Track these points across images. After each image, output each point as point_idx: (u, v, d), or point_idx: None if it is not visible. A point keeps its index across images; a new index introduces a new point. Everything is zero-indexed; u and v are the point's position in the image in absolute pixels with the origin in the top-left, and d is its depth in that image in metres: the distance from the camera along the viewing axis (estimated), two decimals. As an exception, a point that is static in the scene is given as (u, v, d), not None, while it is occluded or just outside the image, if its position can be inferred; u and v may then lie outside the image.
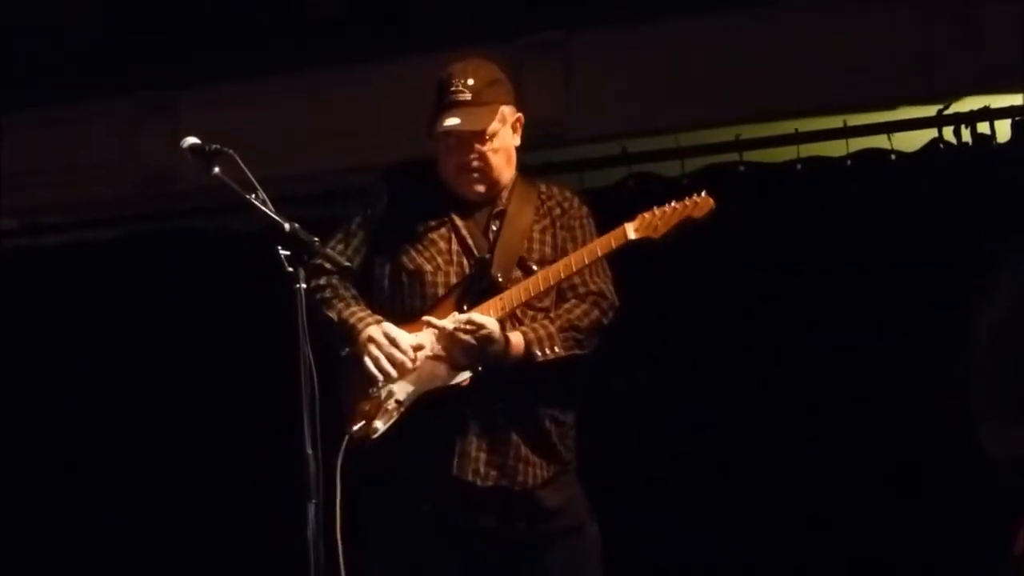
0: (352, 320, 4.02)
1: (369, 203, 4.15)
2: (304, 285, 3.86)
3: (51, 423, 6.58)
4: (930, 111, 5.71)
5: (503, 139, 4.06)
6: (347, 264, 4.07)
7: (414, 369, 3.95)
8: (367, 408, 3.96)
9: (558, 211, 4.14)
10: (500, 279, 3.98)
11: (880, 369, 5.52)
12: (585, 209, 4.18)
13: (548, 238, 4.09)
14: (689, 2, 6.25)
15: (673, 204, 3.91)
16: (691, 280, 5.75)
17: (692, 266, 5.70)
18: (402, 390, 3.97)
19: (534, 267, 4.00)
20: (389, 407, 3.96)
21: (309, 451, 3.53)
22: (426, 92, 6.46)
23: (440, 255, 4.04)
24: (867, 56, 5.90)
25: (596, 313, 4.07)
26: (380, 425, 3.95)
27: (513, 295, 3.93)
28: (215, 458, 6.31)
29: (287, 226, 3.72)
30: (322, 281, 4.08)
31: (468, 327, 3.87)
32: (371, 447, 3.91)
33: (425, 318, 3.94)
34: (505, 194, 4.11)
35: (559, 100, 6.46)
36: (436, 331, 3.94)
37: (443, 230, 4.06)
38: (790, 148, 5.81)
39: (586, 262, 3.92)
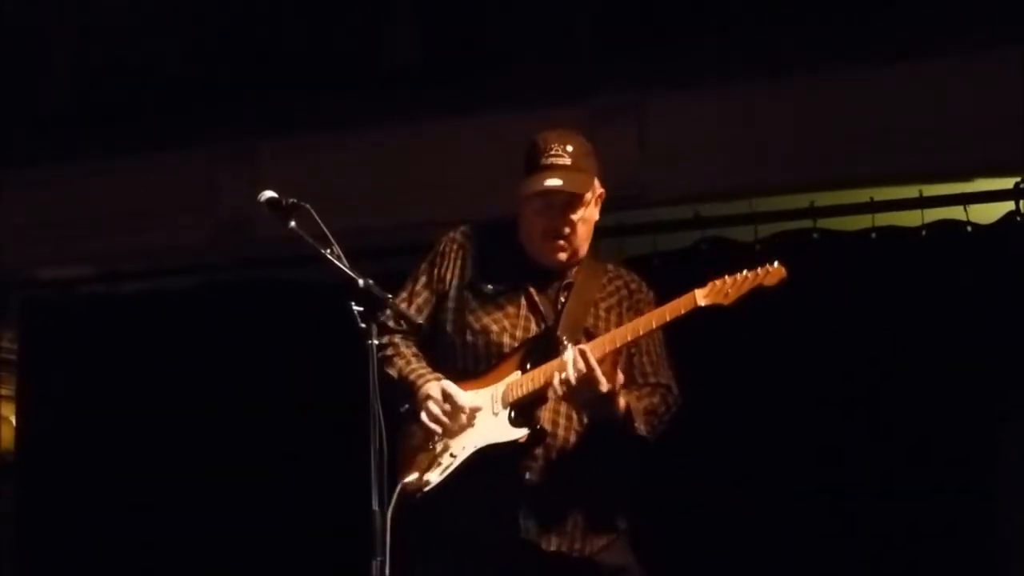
0: (412, 377, 4.07)
1: (435, 261, 4.21)
2: (376, 341, 3.94)
3: (123, 469, 6.64)
4: (1007, 183, 5.67)
5: (591, 212, 4.14)
6: (419, 322, 4.12)
7: (472, 426, 3.98)
8: (421, 461, 4.00)
9: (625, 292, 4.21)
10: (564, 340, 4.00)
11: (949, 442, 5.45)
12: (652, 294, 4.25)
13: (613, 316, 4.14)
14: (765, 66, 6.23)
15: (745, 272, 3.92)
16: (760, 347, 5.72)
17: (762, 333, 5.67)
18: (457, 444, 3.99)
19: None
20: (443, 461, 3.98)
21: (376, 508, 3.56)
22: (502, 149, 6.52)
23: (508, 318, 4.09)
24: (944, 125, 5.85)
25: (666, 405, 4.14)
26: (433, 478, 3.97)
27: (594, 347, 3.92)
28: (282, 510, 6.33)
29: (361, 282, 3.76)
30: (384, 340, 4.10)
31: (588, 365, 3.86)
32: (423, 500, 3.94)
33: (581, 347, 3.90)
34: (576, 268, 4.16)
35: (634, 162, 6.45)
36: (539, 375, 3.94)
37: (514, 295, 4.11)
38: (865, 216, 5.78)
39: (654, 326, 3.95)
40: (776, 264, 3.94)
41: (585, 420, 4.04)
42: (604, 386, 3.87)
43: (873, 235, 5.73)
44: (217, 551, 6.43)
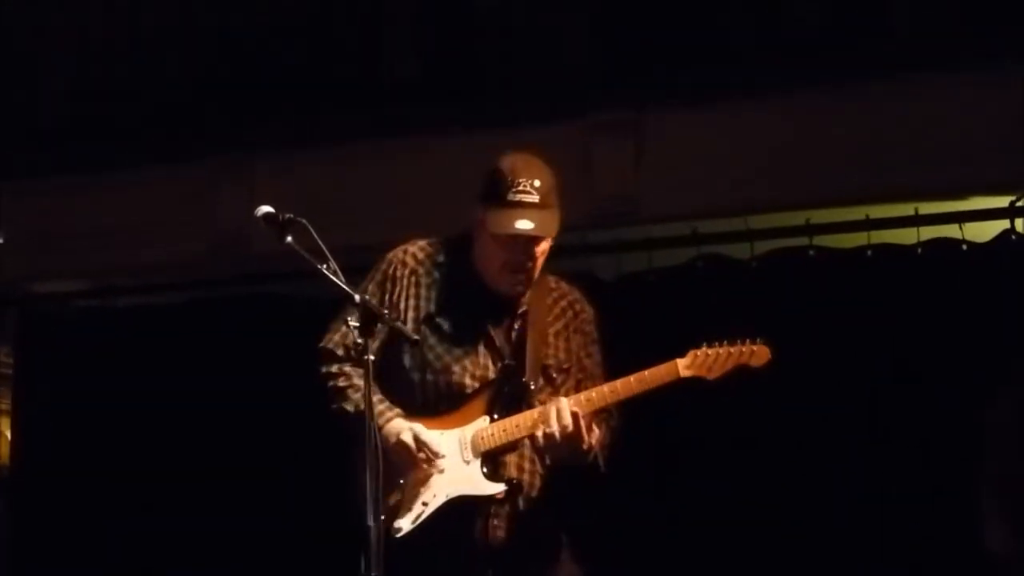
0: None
1: (386, 287, 4.13)
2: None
3: (119, 483, 6.63)
4: (1003, 201, 5.68)
5: (550, 242, 4.09)
6: (415, 338, 4.02)
7: (441, 471, 3.96)
8: (391, 504, 3.94)
9: (571, 313, 4.19)
10: (531, 386, 4.01)
11: (946, 458, 5.46)
12: (592, 311, 4.25)
13: (562, 342, 4.13)
14: (761, 85, 6.25)
15: (728, 348, 3.94)
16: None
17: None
18: (428, 492, 3.97)
19: (554, 374, 4.05)
20: (414, 508, 3.95)
21: (371, 523, 3.55)
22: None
23: (468, 356, 4.03)
24: (940, 143, 5.87)
25: (613, 434, 4.13)
26: (405, 524, 3.94)
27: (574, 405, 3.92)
28: (281, 525, 6.32)
29: (357, 297, 3.76)
30: (334, 368, 4.07)
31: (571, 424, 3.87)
32: (392, 545, 3.84)
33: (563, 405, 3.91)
34: (528, 292, 4.12)
35: (630, 178, 6.46)
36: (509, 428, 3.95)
37: (471, 331, 4.06)
38: (860, 234, 5.80)
39: (635, 391, 3.96)
40: (761, 343, 3.96)
41: (547, 463, 4.03)
42: (586, 443, 3.89)
43: (869, 253, 5.74)
44: (212, 564, 6.43)
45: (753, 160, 6.21)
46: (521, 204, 3.95)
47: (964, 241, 5.64)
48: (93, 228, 7.17)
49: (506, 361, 4.03)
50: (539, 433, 3.90)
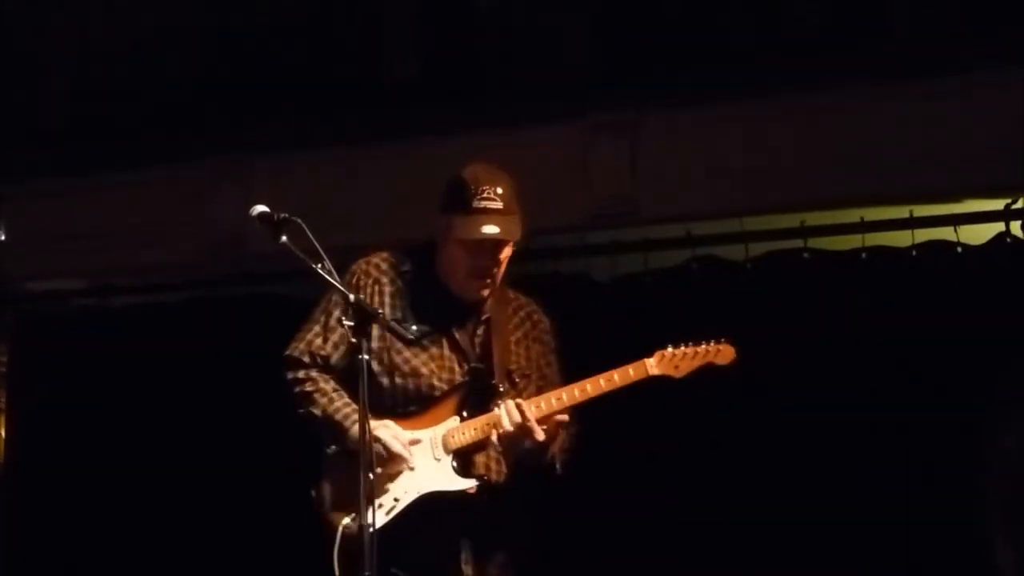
0: (338, 417, 4.11)
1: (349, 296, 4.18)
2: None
3: (115, 483, 6.64)
4: (997, 204, 5.69)
5: (511, 248, 4.21)
6: (410, 336, 4.12)
7: (413, 468, 4.06)
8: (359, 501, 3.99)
9: (529, 323, 4.32)
10: (500, 388, 4.12)
11: (942, 457, 5.47)
12: (549, 322, 4.38)
13: (523, 349, 4.25)
14: (759, 86, 6.25)
15: (695, 347, 4.08)
16: (751, 366, 5.72)
17: (752, 352, 5.69)
18: (399, 487, 4.07)
19: (517, 379, 4.18)
20: (385, 503, 4.05)
21: (366, 523, 3.58)
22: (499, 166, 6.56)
23: (434, 360, 4.14)
24: (935, 147, 5.88)
25: (572, 439, 4.25)
26: (377, 519, 3.91)
27: (541, 403, 4.06)
28: (274, 524, 6.32)
29: (352, 297, 3.78)
30: (300, 374, 4.19)
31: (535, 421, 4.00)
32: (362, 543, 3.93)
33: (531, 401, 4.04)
34: (489, 300, 4.23)
35: (626, 180, 6.47)
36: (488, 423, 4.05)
37: (437, 335, 4.16)
38: (855, 236, 5.81)
39: (604, 389, 4.07)
40: (725, 343, 4.11)
41: (509, 462, 4.16)
42: (540, 436, 4.00)
43: (864, 255, 5.75)
44: (209, 561, 6.44)
45: (749, 162, 6.21)
46: (486, 210, 4.07)
47: (959, 244, 5.65)
48: (91, 228, 7.17)
49: (473, 364, 4.16)
50: (493, 436, 4.04)
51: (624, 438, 5.71)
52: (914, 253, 5.68)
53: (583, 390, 4.06)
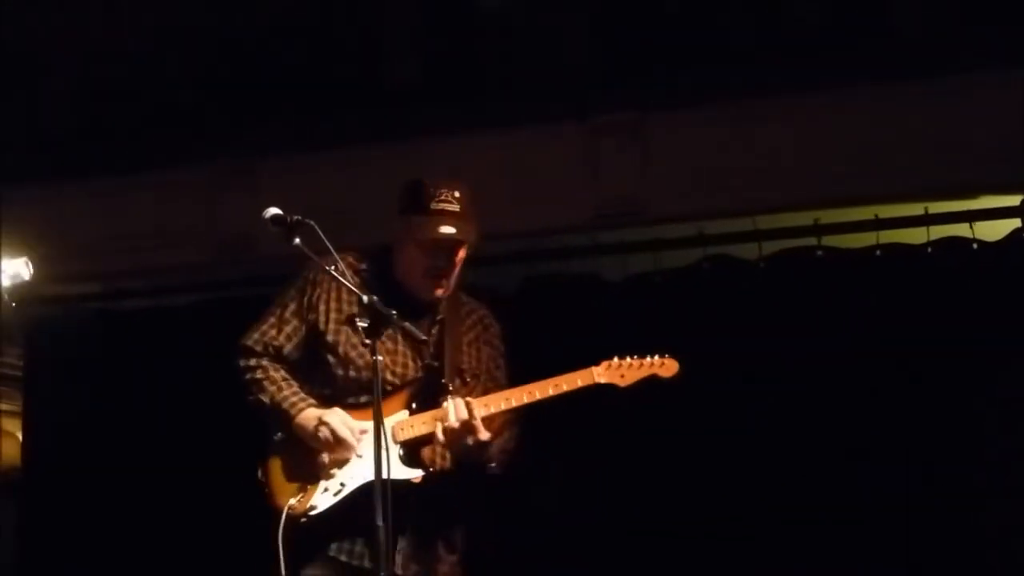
0: (285, 405, 4.23)
1: (305, 290, 4.35)
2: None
3: (128, 484, 6.63)
4: (1014, 200, 5.66)
5: (466, 253, 4.32)
6: (422, 340, 4.18)
7: (360, 456, 4.12)
8: (307, 486, 4.16)
9: (480, 327, 4.44)
10: (450, 387, 4.21)
11: (956, 459, 5.45)
12: (499, 327, 4.49)
13: (474, 351, 4.37)
14: (767, 85, 6.24)
15: (640, 359, 4.19)
16: (765, 363, 5.71)
17: (766, 349, 5.68)
18: (346, 473, 4.15)
19: (468, 379, 4.29)
20: (331, 487, 4.14)
21: (379, 523, 3.57)
22: (503, 167, 6.55)
23: (389, 355, 4.22)
24: (950, 143, 5.86)
25: (515, 440, 4.36)
26: (320, 503, 4.12)
27: (489, 404, 4.18)
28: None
29: (365, 298, 3.79)
30: (252, 362, 4.33)
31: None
32: (307, 523, 4.11)
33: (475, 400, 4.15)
34: (444, 302, 4.34)
35: (636, 178, 6.45)
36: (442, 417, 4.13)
37: (390, 330, 4.21)
38: (869, 234, 5.77)
39: (551, 394, 4.18)
40: (669, 357, 4.22)
41: (453, 457, 4.25)
42: (484, 435, 4.11)
43: (878, 252, 5.72)
44: (221, 562, 6.41)
45: (761, 160, 6.19)
46: (443, 212, 4.20)
47: (974, 240, 5.61)
48: (100, 232, 7.17)
49: (426, 361, 4.27)
50: (437, 430, 4.13)
51: (625, 435, 5.74)
52: (929, 250, 5.65)
53: (531, 394, 4.18)
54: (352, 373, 4.23)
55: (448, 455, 4.24)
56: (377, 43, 7.15)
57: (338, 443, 4.13)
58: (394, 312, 3.90)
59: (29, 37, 7.54)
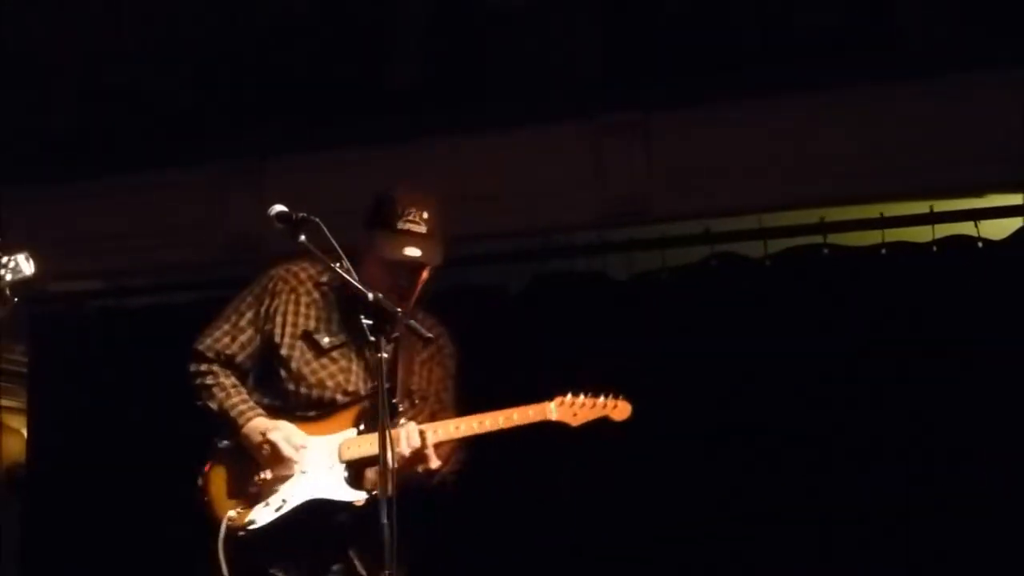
0: (233, 413, 4.17)
1: (263, 299, 4.27)
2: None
3: (133, 482, 6.63)
4: (1019, 199, 5.66)
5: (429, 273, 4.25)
6: (429, 338, 4.15)
7: (304, 471, 4.08)
8: (247, 498, 4.11)
9: (435, 347, 4.34)
10: (400, 408, 4.14)
11: (960, 456, 5.45)
12: (454, 348, 4.41)
13: (426, 371, 4.30)
14: (771, 85, 6.24)
15: (594, 399, 4.20)
16: (770, 361, 5.71)
17: (772, 347, 5.68)
18: (289, 489, 4.10)
19: (416, 400, 4.23)
20: (272, 502, 4.08)
21: (384, 520, 3.57)
22: (509, 167, 6.56)
23: (342, 373, 4.18)
24: (955, 142, 5.86)
25: (461, 464, 4.31)
26: (260, 517, 4.06)
27: (439, 429, 4.13)
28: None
29: (370, 295, 3.77)
30: (203, 367, 4.27)
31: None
32: (245, 536, 4.05)
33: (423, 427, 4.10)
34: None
35: (642, 177, 6.45)
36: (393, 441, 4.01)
37: (347, 349, 4.19)
38: (875, 232, 5.77)
39: (502, 425, 4.14)
40: (623, 400, 4.24)
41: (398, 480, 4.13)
42: (434, 464, 4.08)
43: (883, 251, 5.72)
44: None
45: (766, 159, 6.19)
46: (410, 233, 4.13)
47: (980, 238, 5.61)
48: (106, 230, 7.18)
49: (375, 381, 4.14)
50: (388, 455, 3.99)
51: (627, 433, 5.70)
52: (934, 248, 5.65)
53: (481, 423, 4.14)
54: (303, 389, 4.18)
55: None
56: (381, 44, 7.16)
57: (279, 461, 4.08)
58: (399, 310, 3.88)
59: (34, 38, 7.56)
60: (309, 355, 4.18)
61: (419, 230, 4.13)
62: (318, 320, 4.21)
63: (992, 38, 5.97)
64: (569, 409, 4.17)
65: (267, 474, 4.10)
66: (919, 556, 5.48)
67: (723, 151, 6.30)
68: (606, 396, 4.22)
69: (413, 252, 4.10)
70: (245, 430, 4.13)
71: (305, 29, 7.25)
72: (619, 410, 4.23)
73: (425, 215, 4.15)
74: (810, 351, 5.69)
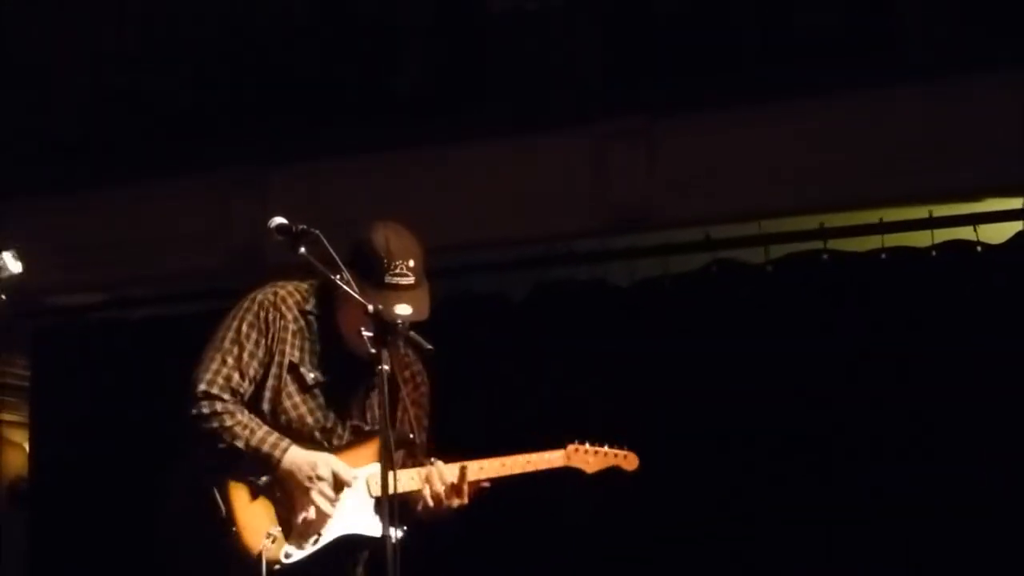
0: (266, 448, 3.96)
1: (263, 330, 4.10)
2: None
3: (136, 494, 6.63)
4: (1017, 203, 5.66)
5: None
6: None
7: (341, 504, 3.99)
8: (279, 530, 3.96)
9: (411, 385, 4.23)
10: (416, 441, 4.06)
11: (961, 460, 5.45)
12: (428, 386, 4.30)
13: (401, 411, 4.10)
14: (772, 90, 6.24)
15: (605, 449, 4.30)
16: (771, 366, 5.72)
17: (773, 352, 5.69)
18: (326, 524, 3.99)
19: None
20: (309, 536, 3.97)
21: (387, 533, 3.56)
22: (512, 174, 6.56)
23: (320, 410, 4.07)
24: (954, 146, 5.86)
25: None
26: (296, 552, 3.95)
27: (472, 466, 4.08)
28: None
29: (371, 307, 3.75)
30: (218, 408, 4.02)
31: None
32: (278, 571, 3.91)
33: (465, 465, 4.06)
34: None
35: (643, 184, 6.45)
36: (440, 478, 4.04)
37: (330, 386, 4.08)
38: (874, 237, 5.79)
39: (523, 469, 4.17)
40: (631, 453, 4.35)
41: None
42: (464, 500, 4.05)
43: (883, 256, 5.74)
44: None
45: (766, 165, 6.19)
46: (398, 287, 3.97)
47: (979, 243, 5.62)
48: (108, 241, 7.18)
49: (355, 423, 4.11)
50: (426, 490, 4.03)
51: (629, 435, 5.72)
52: (934, 253, 5.66)
53: (504, 464, 4.15)
54: (282, 418, 4.03)
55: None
56: (386, 51, 7.15)
57: (326, 495, 3.95)
58: (400, 321, 3.84)
59: (39, 44, 7.57)
60: (292, 388, 4.06)
61: (407, 283, 3.97)
62: (302, 351, 4.09)
63: (992, 38, 5.97)
64: (583, 456, 4.28)
65: (300, 506, 3.95)
66: (919, 556, 5.49)
67: (724, 157, 6.30)
68: (618, 446, 4.34)
69: (404, 311, 3.90)
70: (285, 464, 3.94)
71: (310, 37, 7.25)
72: (628, 460, 4.35)
73: (411, 263, 3.99)
74: (811, 355, 5.70)
